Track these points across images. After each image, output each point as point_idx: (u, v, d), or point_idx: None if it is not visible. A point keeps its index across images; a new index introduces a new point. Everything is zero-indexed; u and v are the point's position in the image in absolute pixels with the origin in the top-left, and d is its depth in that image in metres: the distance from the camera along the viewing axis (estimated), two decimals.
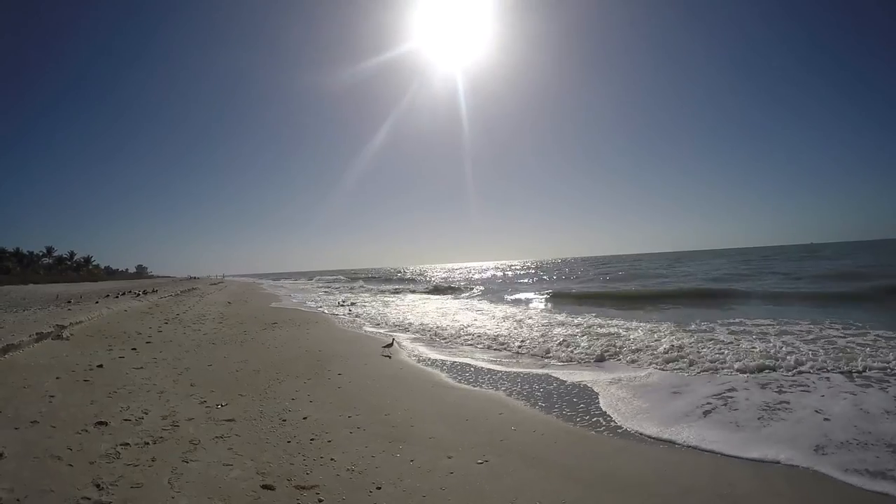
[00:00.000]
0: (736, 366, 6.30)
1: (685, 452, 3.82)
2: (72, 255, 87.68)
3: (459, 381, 6.29)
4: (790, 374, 5.89)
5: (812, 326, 8.98)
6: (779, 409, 4.65)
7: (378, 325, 12.41)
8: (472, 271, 74.90)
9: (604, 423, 4.56)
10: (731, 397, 5.15)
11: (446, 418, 4.63)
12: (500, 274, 55.18)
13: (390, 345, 8.68)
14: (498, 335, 9.47)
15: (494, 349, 8.53)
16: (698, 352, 7.12)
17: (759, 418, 4.46)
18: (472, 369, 7.02)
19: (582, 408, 5.03)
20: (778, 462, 3.53)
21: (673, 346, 7.53)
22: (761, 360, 6.37)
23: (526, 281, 36.15)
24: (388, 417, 4.59)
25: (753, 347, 7.23)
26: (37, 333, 8.44)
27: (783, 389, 5.30)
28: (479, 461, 3.56)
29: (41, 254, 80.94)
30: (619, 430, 4.35)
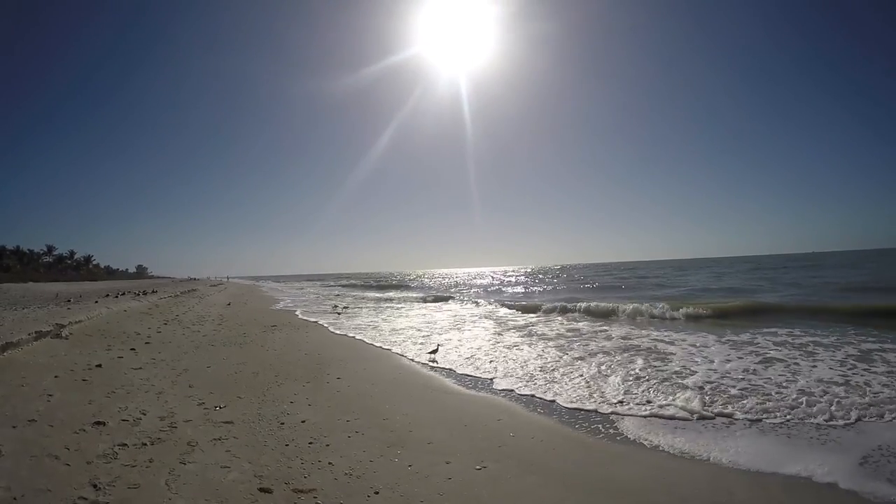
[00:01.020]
0: (801, 388, 5.58)
1: (684, 460, 3.81)
2: (72, 254, 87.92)
3: (458, 386, 6.28)
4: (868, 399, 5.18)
5: (871, 346, 8.09)
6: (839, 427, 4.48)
7: (382, 340, 10.59)
8: (477, 277, 73.71)
9: (603, 430, 4.55)
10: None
11: (445, 423, 4.62)
12: (505, 279, 54.21)
13: (436, 350, 8.44)
14: (526, 360, 7.76)
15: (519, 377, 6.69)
16: (756, 376, 6.37)
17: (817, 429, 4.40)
18: (471, 374, 7.00)
19: (582, 415, 5.02)
20: (810, 478, 3.44)
21: (725, 367, 6.85)
22: (826, 386, 5.65)
23: (535, 289, 34.21)
24: (387, 422, 4.58)
25: (814, 366, 6.73)
26: (36, 332, 8.43)
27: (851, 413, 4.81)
28: (478, 467, 3.55)
29: (41, 252, 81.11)
30: (619, 438, 4.34)
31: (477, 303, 22.23)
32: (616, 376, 6.52)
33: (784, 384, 5.90)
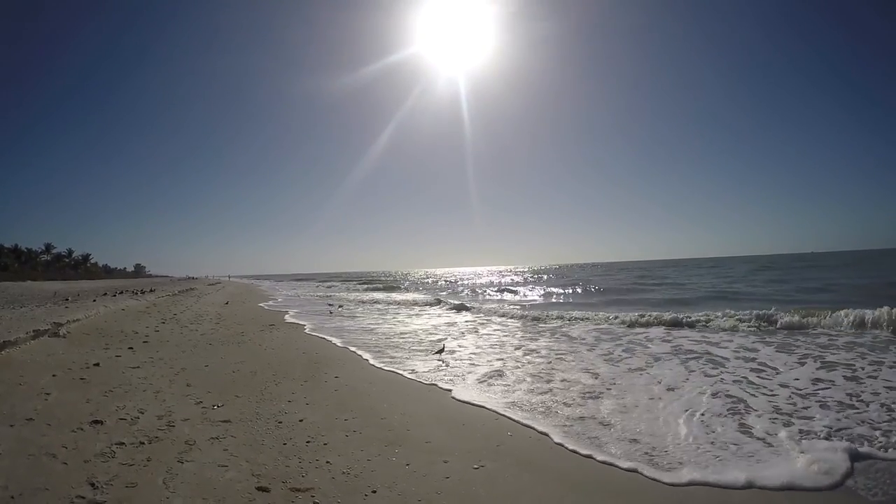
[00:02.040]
0: None
1: None
2: (70, 252, 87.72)
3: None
4: None
5: None
6: None
7: (381, 343, 9.83)
8: (478, 276, 72.24)
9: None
10: None
11: (442, 423, 4.62)
12: (510, 280, 52.13)
13: (442, 350, 8.39)
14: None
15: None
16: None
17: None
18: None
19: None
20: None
21: None
22: None
23: (542, 289, 30.86)
24: (385, 421, 4.58)
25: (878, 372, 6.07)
26: (34, 330, 8.43)
27: None
28: (476, 466, 3.56)
29: (40, 251, 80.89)
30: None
31: (483, 303, 20.82)
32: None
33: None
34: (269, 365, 7.09)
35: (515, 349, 8.87)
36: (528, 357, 8.07)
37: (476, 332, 11.66)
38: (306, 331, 11.68)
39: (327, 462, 3.51)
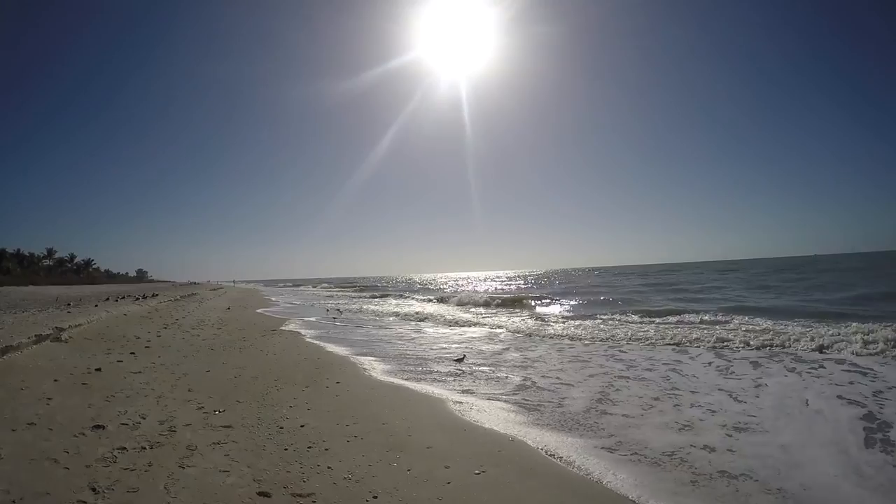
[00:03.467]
0: None
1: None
2: (72, 257, 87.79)
3: (458, 392, 6.26)
4: None
5: None
6: None
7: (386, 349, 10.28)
8: (483, 281, 70.98)
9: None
10: None
11: (444, 428, 4.62)
12: (522, 285, 48.85)
13: (461, 359, 8.30)
14: None
15: None
16: None
17: None
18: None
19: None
20: None
21: None
22: None
23: (568, 299, 25.87)
24: (386, 426, 4.58)
25: None
26: (36, 335, 8.43)
27: None
28: (477, 471, 3.55)
29: (42, 255, 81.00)
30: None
31: (511, 309, 19.00)
32: None
33: None
34: (271, 371, 7.09)
35: (606, 359, 8.11)
36: (634, 372, 7.00)
37: (528, 341, 10.96)
38: (308, 338, 11.68)
39: (328, 467, 3.51)
